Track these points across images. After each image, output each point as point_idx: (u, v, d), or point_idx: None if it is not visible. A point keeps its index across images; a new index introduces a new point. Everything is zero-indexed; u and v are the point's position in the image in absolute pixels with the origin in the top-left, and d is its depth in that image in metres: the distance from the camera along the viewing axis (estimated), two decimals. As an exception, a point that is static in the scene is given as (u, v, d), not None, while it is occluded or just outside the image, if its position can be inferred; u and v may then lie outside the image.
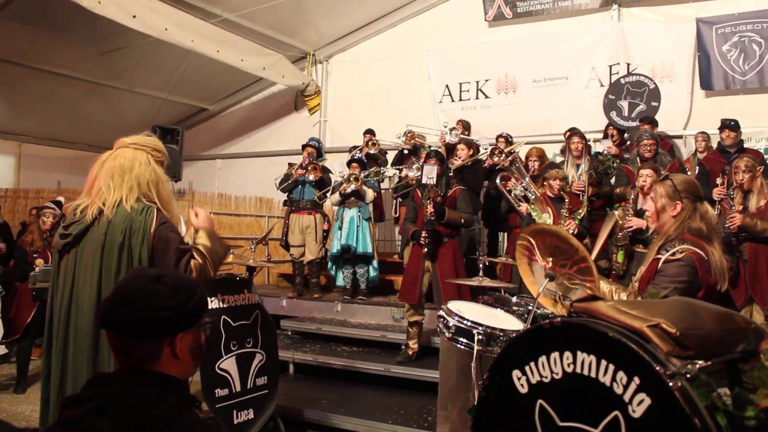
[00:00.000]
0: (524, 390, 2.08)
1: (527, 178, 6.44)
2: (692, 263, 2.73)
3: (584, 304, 2.06)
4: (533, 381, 2.05)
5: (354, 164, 7.64)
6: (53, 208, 6.97)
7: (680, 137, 8.56)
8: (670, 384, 1.64)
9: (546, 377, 2.00)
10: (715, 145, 7.19)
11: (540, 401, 2.02)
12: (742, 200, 5.40)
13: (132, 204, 2.61)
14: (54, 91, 10.37)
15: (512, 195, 6.52)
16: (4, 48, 8.98)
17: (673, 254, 2.78)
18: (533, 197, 6.28)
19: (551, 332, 2.01)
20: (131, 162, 2.66)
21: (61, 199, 7.89)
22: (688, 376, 1.65)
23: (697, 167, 6.80)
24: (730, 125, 6.54)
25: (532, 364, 2.05)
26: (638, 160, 6.41)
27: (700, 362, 1.71)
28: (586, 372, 1.86)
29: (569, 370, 1.92)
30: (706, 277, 2.76)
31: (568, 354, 1.93)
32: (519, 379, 2.10)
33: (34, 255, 6.72)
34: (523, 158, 7.24)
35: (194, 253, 2.61)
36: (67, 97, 10.62)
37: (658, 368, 1.68)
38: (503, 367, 2.18)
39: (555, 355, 1.97)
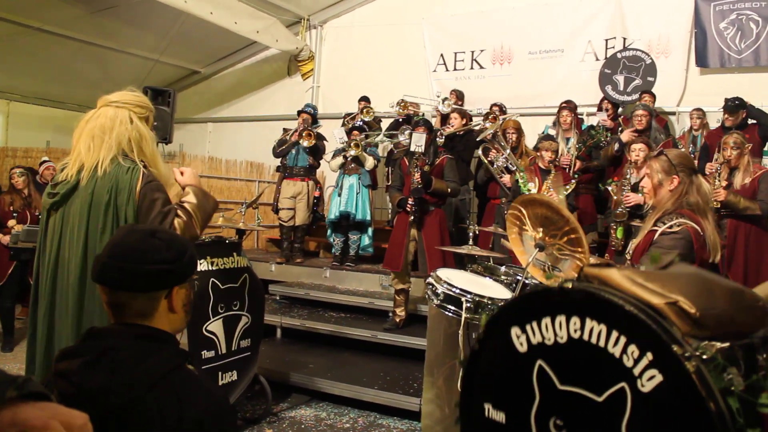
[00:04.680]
0: (523, 349, 2.05)
1: (508, 150, 6.43)
2: (688, 237, 2.76)
3: (596, 270, 1.99)
4: (533, 341, 2.01)
5: (355, 131, 7.62)
6: (24, 170, 6.96)
7: (674, 114, 8.55)
8: (687, 366, 1.61)
9: (549, 339, 1.97)
10: (711, 123, 7.20)
11: (540, 362, 1.99)
12: (727, 176, 5.42)
13: (120, 162, 2.58)
14: (44, 50, 10.21)
15: (494, 166, 6.53)
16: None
17: (670, 227, 2.81)
18: (515, 169, 6.29)
19: (560, 295, 1.97)
20: (112, 121, 2.61)
21: (46, 158, 7.89)
22: (705, 357, 1.63)
23: (701, 141, 6.79)
24: (728, 107, 6.50)
25: (534, 324, 2.00)
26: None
27: (718, 344, 1.68)
28: (594, 340, 1.83)
29: (575, 336, 1.89)
30: (700, 251, 2.79)
31: (575, 319, 1.89)
32: (518, 337, 2.06)
33: (14, 214, 6.68)
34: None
35: (179, 212, 2.59)
36: (57, 55, 10.46)
37: (675, 348, 1.65)
38: (502, 322, 2.14)
39: (561, 318, 1.93)
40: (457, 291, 3.68)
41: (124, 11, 9.56)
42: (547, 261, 3.37)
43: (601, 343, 1.81)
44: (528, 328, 2.03)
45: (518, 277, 3.89)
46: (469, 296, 3.61)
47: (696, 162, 6.27)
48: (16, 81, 10.99)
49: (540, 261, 3.44)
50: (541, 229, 3.40)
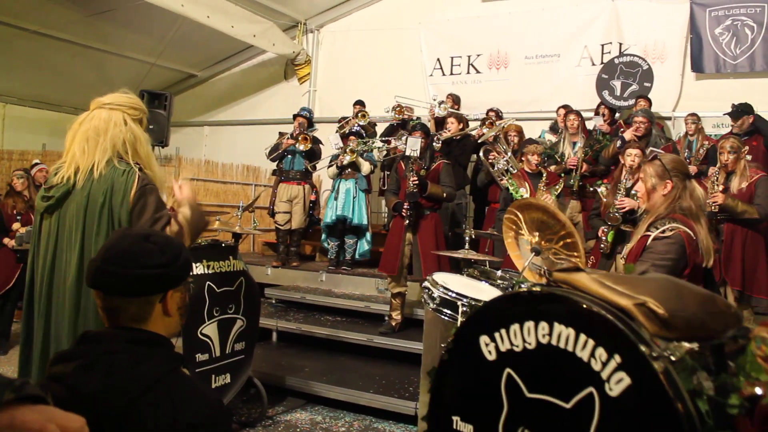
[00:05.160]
0: (491, 357, 2.02)
1: (509, 153, 6.44)
2: (681, 242, 2.77)
3: (565, 274, 1.97)
4: (502, 349, 1.98)
5: (351, 137, 7.63)
6: (24, 172, 6.99)
7: (669, 119, 8.58)
8: (655, 366, 1.60)
9: (517, 346, 1.94)
10: (707, 128, 7.22)
11: (508, 370, 1.96)
12: (724, 181, 5.44)
13: (115, 165, 2.58)
14: (41, 53, 10.18)
15: (495, 168, 6.53)
16: (-10, 7, 8.83)
17: (663, 232, 2.82)
18: (515, 171, 6.30)
19: (528, 300, 1.94)
20: (106, 123, 2.60)
21: (37, 161, 7.90)
22: (673, 359, 1.62)
23: (697, 146, 6.80)
24: (731, 113, 6.53)
25: (503, 331, 1.97)
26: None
27: (687, 345, 1.67)
28: (562, 345, 1.80)
29: (544, 341, 1.86)
30: (693, 255, 2.79)
31: (544, 324, 1.86)
32: (487, 345, 2.03)
33: (17, 217, 6.69)
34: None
35: (171, 220, 2.59)
36: (53, 58, 10.44)
37: (643, 348, 1.63)
38: (470, 331, 2.11)
39: (529, 324, 1.90)
40: (453, 295, 3.67)
41: (121, 15, 9.55)
42: (543, 265, 3.37)
43: (570, 348, 1.79)
44: (497, 335, 2.00)
45: (515, 281, 3.89)
46: (465, 300, 3.61)
47: (699, 166, 6.31)
48: (12, 84, 10.95)
49: (536, 265, 3.45)
50: (537, 234, 3.41)
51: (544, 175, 5.93)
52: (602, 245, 5.15)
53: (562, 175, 6.52)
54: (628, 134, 6.35)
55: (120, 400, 1.45)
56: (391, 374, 5.56)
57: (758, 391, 1.61)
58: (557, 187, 5.89)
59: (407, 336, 5.91)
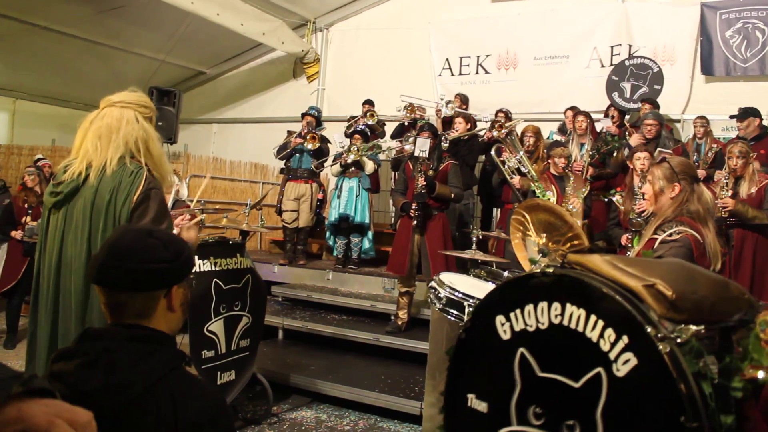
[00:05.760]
0: (506, 336, 2.05)
1: (522, 152, 6.43)
2: (688, 245, 2.76)
3: (579, 256, 1.99)
4: (517, 328, 2.02)
5: (356, 135, 7.63)
6: (37, 168, 7.04)
7: (678, 121, 8.54)
8: (660, 347, 1.61)
9: (531, 326, 1.97)
10: (715, 131, 7.18)
11: (522, 349, 1.99)
12: (733, 186, 5.41)
13: (126, 163, 2.59)
14: (50, 49, 10.24)
15: (506, 167, 6.51)
16: (1, 2, 8.86)
17: (670, 235, 2.81)
18: (526, 171, 6.26)
19: (542, 282, 1.97)
20: (118, 121, 2.62)
21: (40, 155, 7.95)
22: (679, 340, 1.63)
23: (706, 149, 6.77)
24: (737, 116, 6.49)
25: (518, 311, 2.01)
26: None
27: (693, 327, 1.67)
28: (573, 325, 1.83)
29: (556, 321, 1.89)
30: (700, 259, 2.78)
31: (556, 305, 1.89)
32: (502, 325, 2.06)
33: (29, 211, 6.74)
34: (519, 134, 7.22)
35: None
36: (63, 54, 10.50)
37: (649, 329, 1.65)
38: (487, 311, 2.14)
39: (543, 305, 1.93)
40: (460, 295, 3.68)
41: (131, 11, 9.59)
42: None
43: (580, 328, 1.82)
44: (512, 315, 2.04)
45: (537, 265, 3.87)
46: (471, 300, 3.61)
47: (707, 170, 6.28)
48: (22, 79, 11.01)
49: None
50: (544, 235, 3.41)
51: (572, 178, 5.91)
52: (629, 253, 5.11)
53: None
54: (634, 140, 6.32)
55: (121, 399, 1.44)
56: (397, 374, 5.56)
57: (760, 374, 1.62)
58: (584, 190, 5.87)
59: (413, 336, 5.91)
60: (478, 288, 3.86)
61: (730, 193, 5.34)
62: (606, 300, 1.77)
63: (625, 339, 1.70)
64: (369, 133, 7.93)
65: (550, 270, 1.96)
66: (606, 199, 6.37)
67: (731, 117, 6.73)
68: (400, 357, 5.88)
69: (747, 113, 6.38)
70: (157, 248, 1.60)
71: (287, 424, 4.87)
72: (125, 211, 2.55)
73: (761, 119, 6.44)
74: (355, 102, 8.87)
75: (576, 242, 3.51)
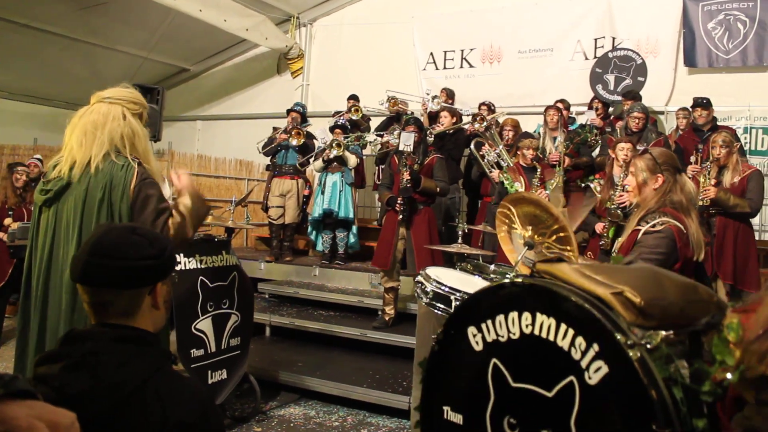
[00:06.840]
0: (479, 348, 2.05)
1: (501, 146, 6.44)
2: (672, 236, 2.77)
3: (547, 265, 2.01)
4: (489, 339, 2.02)
5: (337, 130, 7.60)
6: (26, 167, 6.92)
7: (662, 113, 8.59)
8: (630, 354, 1.62)
9: (502, 337, 1.97)
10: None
11: (494, 360, 2.00)
12: (716, 175, 5.44)
13: (113, 159, 2.57)
14: (32, 46, 10.14)
15: (485, 161, 6.53)
16: (-20, 0, 8.77)
17: (653, 226, 2.82)
18: (505, 165, 6.29)
19: (512, 292, 1.97)
20: (104, 117, 2.60)
21: (39, 156, 7.82)
22: (649, 346, 1.64)
23: (673, 145, 6.83)
24: (701, 103, 6.57)
25: (489, 322, 2.01)
26: (625, 133, 6.40)
27: (662, 333, 1.69)
28: (544, 335, 1.84)
29: (527, 331, 1.89)
30: (684, 249, 2.80)
31: (527, 315, 1.90)
32: (474, 336, 2.06)
33: (9, 212, 6.65)
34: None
35: (173, 211, 2.58)
36: (45, 52, 10.39)
37: (618, 337, 1.66)
38: (459, 322, 2.14)
39: (513, 315, 1.93)
40: (446, 289, 3.68)
41: (113, 8, 9.52)
42: (537, 259, 3.37)
43: (551, 337, 1.82)
44: (483, 326, 2.04)
45: (507, 275, 3.90)
46: (458, 294, 3.61)
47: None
48: (2, 77, 10.88)
49: (529, 259, 3.45)
50: (530, 228, 3.41)
51: (539, 169, 5.93)
52: (602, 241, 5.14)
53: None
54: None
55: (108, 401, 1.42)
56: (385, 369, 5.56)
57: (728, 376, 1.63)
58: (552, 181, 5.89)
59: (400, 330, 5.91)
60: (464, 282, 3.87)
61: (713, 182, 5.37)
62: (575, 308, 1.77)
63: (595, 347, 1.71)
64: (349, 128, 7.89)
65: (520, 280, 1.99)
66: (583, 185, 6.37)
67: (694, 107, 6.76)
68: (387, 352, 5.88)
69: (709, 103, 6.55)
70: (143, 245, 1.59)
71: (276, 421, 4.86)
72: (125, 206, 2.54)
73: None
74: (340, 97, 8.86)
75: (562, 234, 3.52)
